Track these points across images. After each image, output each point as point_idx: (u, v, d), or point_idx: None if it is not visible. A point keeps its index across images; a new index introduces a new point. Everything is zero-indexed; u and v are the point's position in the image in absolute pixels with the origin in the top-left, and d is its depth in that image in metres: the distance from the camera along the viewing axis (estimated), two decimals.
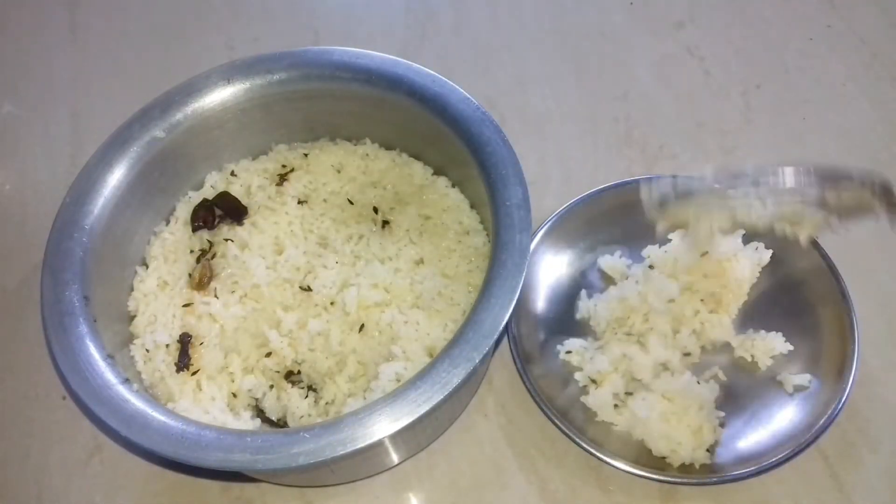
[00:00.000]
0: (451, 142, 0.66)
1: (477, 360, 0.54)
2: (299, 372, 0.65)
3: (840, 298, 0.68)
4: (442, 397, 0.53)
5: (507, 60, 0.93)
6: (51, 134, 0.90)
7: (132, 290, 0.69)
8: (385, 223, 0.70)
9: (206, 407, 0.62)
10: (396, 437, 0.53)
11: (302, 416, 0.62)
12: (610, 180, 0.76)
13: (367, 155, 0.75)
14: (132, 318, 0.67)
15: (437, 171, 0.74)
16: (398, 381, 0.61)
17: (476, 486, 0.66)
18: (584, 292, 0.73)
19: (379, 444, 0.53)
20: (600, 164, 0.84)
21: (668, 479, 0.63)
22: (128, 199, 0.67)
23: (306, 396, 0.63)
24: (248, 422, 0.62)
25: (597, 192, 0.75)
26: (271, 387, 0.64)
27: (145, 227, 0.71)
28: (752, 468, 0.62)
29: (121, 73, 0.95)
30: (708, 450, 0.63)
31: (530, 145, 0.85)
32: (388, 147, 0.75)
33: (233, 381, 0.64)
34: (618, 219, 0.76)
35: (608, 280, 0.74)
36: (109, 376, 0.57)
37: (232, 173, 0.75)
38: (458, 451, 0.68)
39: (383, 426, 0.53)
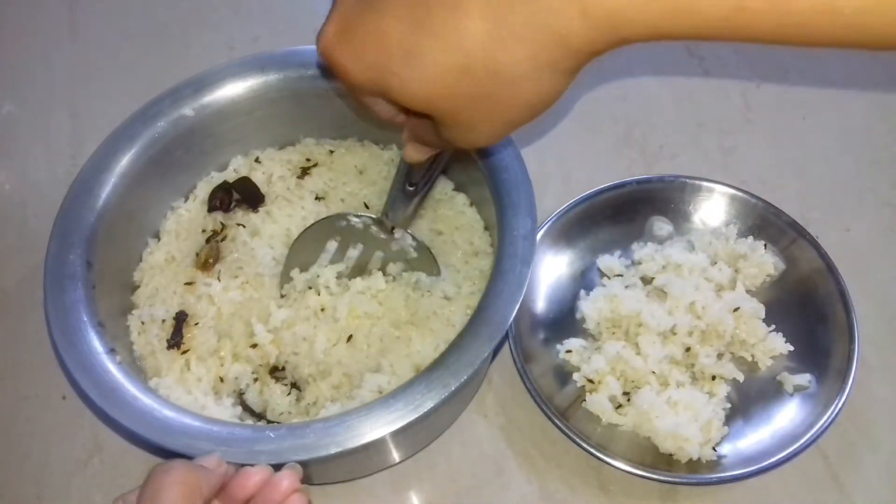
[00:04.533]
0: (471, 160, 0.66)
1: (453, 388, 0.54)
2: (283, 368, 0.65)
3: (840, 298, 0.68)
4: (414, 418, 0.53)
5: None
6: (51, 134, 0.90)
7: (141, 260, 0.69)
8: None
9: (191, 387, 0.63)
10: (369, 446, 0.53)
11: (282, 413, 0.63)
12: (610, 180, 0.76)
13: (392, 161, 0.74)
14: (136, 288, 0.68)
15: (458, 188, 0.73)
16: (380, 393, 0.61)
17: (476, 485, 0.66)
18: (583, 292, 0.73)
19: (348, 453, 0.53)
20: (600, 164, 0.84)
21: (669, 479, 0.63)
22: (148, 171, 0.68)
23: (289, 393, 0.63)
24: (228, 408, 0.62)
25: (597, 192, 0.75)
26: (255, 379, 0.64)
27: (164, 201, 0.72)
28: (753, 468, 0.62)
29: (121, 73, 0.95)
30: (714, 448, 0.64)
31: (530, 145, 0.85)
32: None
33: (222, 366, 0.64)
34: (618, 219, 0.76)
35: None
36: (96, 344, 0.58)
37: (256, 160, 0.75)
38: (457, 450, 0.68)
39: (347, 438, 0.53)
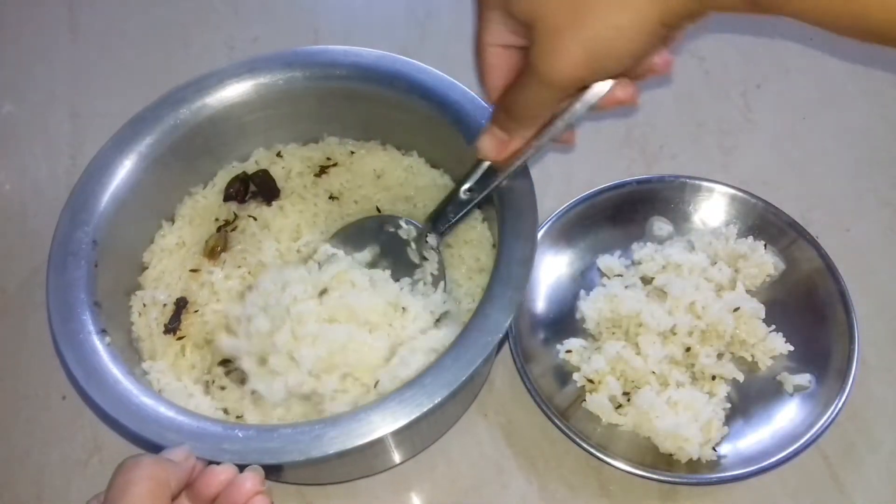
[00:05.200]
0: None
1: (426, 408, 0.53)
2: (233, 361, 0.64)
3: (840, 298, 0.68)
4: (382, 434, 0.53)
5: None
6: (51, 134, 0.90)
7: (152, 242, 0.70)
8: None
9: (182, 374, 0.63)
10: (345, 454, 0.53)
11: (238, 414, 0.62)
12: (610, 180, 0.76)
13: (411, 167, 0.74)
14: (144, 269, 0.69)
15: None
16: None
17: (476, 486, 0.66)
18: (583, 292, 0.73)
19: (314, 461, 0.53)
20: (600, 164, 0.84)
21: (669, 479, 0.63)
22: (168, 156, 0.69)
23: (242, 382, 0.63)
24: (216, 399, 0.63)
25: (597, 192, 0.75)
26: (210, 382, 0.64)
27: (182, 186, 0.72)
28: (753, 468, 0.62)
29: (121, 73, 0.95)
30: (714, 448, 0.64)
31: None
32: (434, 165, 0.74)
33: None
34: (618, 219, 0.76)
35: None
36: (89, 323, 0.59)
37: (278, 154, 0.75)
38: (457, 451, 0.68)
39: (313, 447, 0.52)
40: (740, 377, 0.67)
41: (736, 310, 0.69)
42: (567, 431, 0.64)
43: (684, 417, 0.64)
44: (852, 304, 0.68)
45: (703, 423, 0.64)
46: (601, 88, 0.51)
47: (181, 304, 0.67)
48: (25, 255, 0.80)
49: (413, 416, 0.53)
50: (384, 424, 0.53)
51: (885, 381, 0.69)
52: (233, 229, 0.71)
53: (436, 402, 0.53)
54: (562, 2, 0.44)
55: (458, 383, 0.54)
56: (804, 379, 0.67)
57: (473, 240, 0.70)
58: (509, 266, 0.59)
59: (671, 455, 0.64)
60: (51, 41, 0.98)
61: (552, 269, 0.74)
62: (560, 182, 0.82)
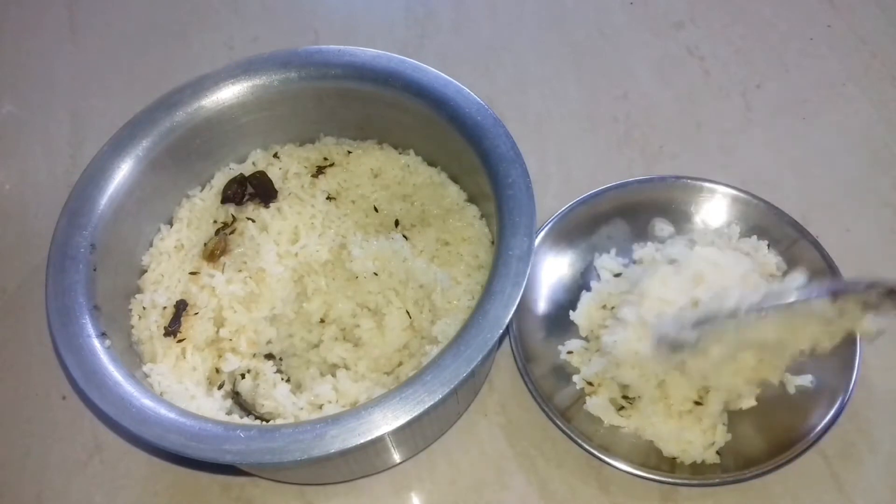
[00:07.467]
0: (482, 174, 0.66)
1: (427, 405, 0.53)
2: (281, 359, 0.66)
3: None
4: (385, 432, 0.53)
5: (507, 60, 0.93)
6: (51, 134, 0.90)
7: (151, 245, 0.70)
8: (403, 238, 0.70)
9: (183, 376, 0.63)
10: (346, 453, 0.53)
11: (268, 405, 0.63)
12: (610, 180, 0.76)
13: (408, 166, 0.74)
14: (143, 272, 0.69)
15: (471, 199, 0.72)
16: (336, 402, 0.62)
17: (476, 486, 0.66)
18: (584, 292, 0.73)
19: (316, 461, 0.53)
20: (600, 164, 0.84)
21: (669, 479, 0.63)
22: (165, 158, 0.69)
23: (287, 380, 0.64)
24: (218, 401, 0.63)
25: (597, 193, 0.75)
26: (245, 373, 0.65)
27: (180, 188, 0.73)
28: (753, 469, 0.62)
29: (121, 73, 0.95)
30: (718, 452, 0.64)
31: (530, 145, 0.84)
32: (431, 163, 0.74)
33: (219, 357, 0.65)
34: (618, 219, 0.76)
35: None
36: (88, 327, 0.59)
37: (275, 155, 0.75)
38: (458, 450, 0.68)
39: (314, 446, 0.52)
40: None
41: None
42: (568, 433, 0.63)
43: (687, 420, 0.63)
44: None
45: (705, 426, 0.63)
46: None
47: (181, 307, 0.67)
48: (25, 254, 0.80)
49: (414, 414, 0.53)
50: (385, 422, 0.53)
51: (885, 381, 0.69)
52: (231, 232, 0.71)
53: (437, 399, 0.53)
54: None
55: (459, 380, 0.54)
56: (804, 379, 0.66)
57: (472, 237, 0.70)
58: (508, 262, 0.59)
59: (674, 458, 0.64)
60: (51, 41, 0.98)
61: (553, 269, 0.74)
62: (560, 182, 0.82)
